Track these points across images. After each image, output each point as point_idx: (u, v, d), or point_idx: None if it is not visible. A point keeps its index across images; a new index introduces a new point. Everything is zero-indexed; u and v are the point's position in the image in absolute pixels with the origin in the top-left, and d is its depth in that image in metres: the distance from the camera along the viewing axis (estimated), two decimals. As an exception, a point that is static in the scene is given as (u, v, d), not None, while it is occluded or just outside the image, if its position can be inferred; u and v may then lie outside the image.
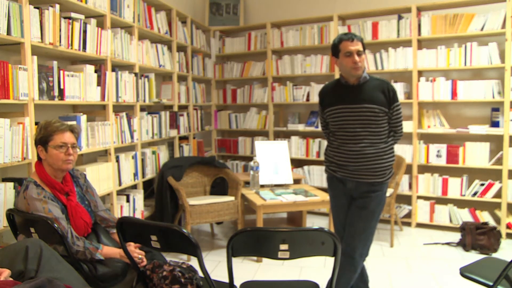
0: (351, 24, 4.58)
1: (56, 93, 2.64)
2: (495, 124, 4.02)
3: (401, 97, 4.19)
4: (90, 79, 2.98)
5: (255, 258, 3.50)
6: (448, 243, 3.83)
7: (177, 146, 4.37)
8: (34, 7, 2.45)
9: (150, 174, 3.88)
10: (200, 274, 1.77)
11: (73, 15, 2.76)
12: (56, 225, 1.97)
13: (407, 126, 4.16)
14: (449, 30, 4.08)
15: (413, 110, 4.27)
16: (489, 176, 4.05)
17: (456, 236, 3.96)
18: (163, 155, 4.15)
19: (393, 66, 4.38)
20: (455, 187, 4.14)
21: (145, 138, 3.77)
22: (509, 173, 3.88)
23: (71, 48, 2.76)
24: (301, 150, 4.89)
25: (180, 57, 4.49)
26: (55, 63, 2.63)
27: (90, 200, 2.33)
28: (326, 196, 3.60)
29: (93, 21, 2.97)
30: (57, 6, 2.61)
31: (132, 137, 3.53)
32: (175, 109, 4.31)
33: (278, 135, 5.18)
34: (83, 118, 2.89)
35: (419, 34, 4.22)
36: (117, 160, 3.32)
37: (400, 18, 4.30)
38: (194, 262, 1.97)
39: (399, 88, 4.28)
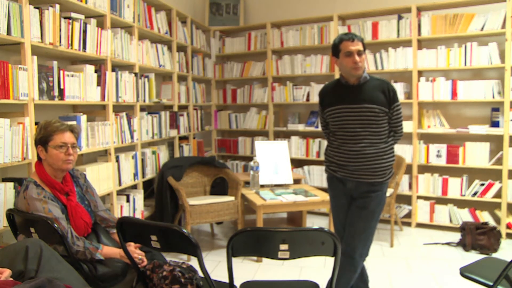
0: (351, 24, 4.58)
1: (56, 93, 2.64)
2: (495, 124, 4.02)
3: (401, 97, 4.19)
4: (90, 79, 2.98)
5: (255, 258, 3.50)
6: (448, 243, 3.83)
7: (177, 146, 4.37)
8: (34, 7, 2.45)
9: (150, 174, 3.88)
10: (200, 274, 1.77)
11: (73, 15, 2.76)
12: (56, 225, 1.97)
13: (407, 126, 4.16)
14: (449, 30, 4.08)
15: (413, 110, 4.27)
16: (489, 176, 4.05)
17: (456, 236, 3.96)
18: (163, 155, 4.15)
19: (393, 66, 4.38)
20: (455, 187, 4.14)
21: (145, 138, 3.77)
22: (509, 173, 3.88)
23: (71, 48, 2.76)
24: (301, 150, 4.89)
25: (180, 57, 4.49)
26: (55, 63, 2.63)
27: (90, 200, 2.33)
28: (326, 196, 3.60)
29: (93, 21, 2.97)
30: (57, 6, 2.61)
31: (132, 137, 3.53)
32: (175, 109, 4.31)
33: (278, 135, 5.18)
34: (83, 118, 2.89)
35: (419, 34, 4.22)
36: (117, 160, 3.32)
37: (400, 18, 4.30)
38: (194, 262, 1.97)
39: (399, 88, 4.28)
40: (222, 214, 3.67)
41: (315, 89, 4.72)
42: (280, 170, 4.23)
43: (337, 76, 4.34)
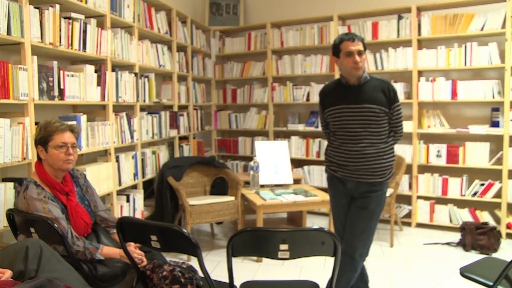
0: (351, 24, 4.58)
1: (56, 93, 2.64)
2: (495, 124, 4.02)
3: (401, 97, 4.19)
4: (90, 79, 2.98)
5: (255, 258, 3.50)
6: (448, 243, 3.83)
7: (177, 146, 4.37)
8: (34, 7, 2.45)
9: (150, 174, 3.88)
10: (200, 274, 1.77)
11: (73, 15, 2.76)
12: (56, 225, 1.97)
13: (407, 126, 4.16)
14: (449, 30, 4.08)
15: (413, 110, 4.27)
16: (489, 176, 4.05)
17: (456, 236, 3.96)
18: (163, 155, 4.15)
19: (393, 66, 4.38)
20: (455, 187, 4.14)
21: (145, 138, 3.77)
22: (509, 173, 3.88)
23: (71, 48, 2.76)
24: (301, 150, 4.89)
25: (180, 57, 4.49)
26: (55, 63, 2.63)
27: (90, 200, 2.33)
28: (326, 196, 3.60)
29: (93, 21, 2.97)
30: (57, 6, 2.61)
31: (132, 137, 3.53)
32: (175, 109, 4.31)
33: (278, 135, 5.18)
34: (83, 118, 2.89)
35: (419, 34, 4.22)
36: (117, 160, 3.32)
37: (400, 18, 4.30)
38: (194, 262, 1.97)
39: (399, 88, 4.28)
40: (222, 214, 3.67)
41: (315, 89, 4.72)
42: (280, 170, 4.23)
43: (337, 76, 4.35)
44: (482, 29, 3.94)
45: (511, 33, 3.77)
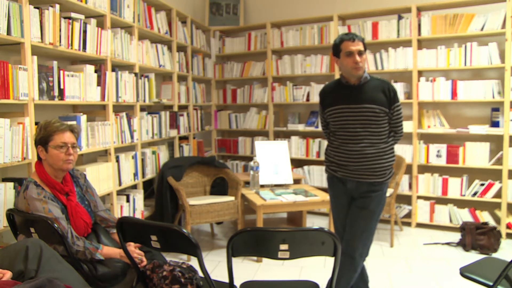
0: (351, 24, 4.58)
1: (56, 93, 2.64)
2: (495, 124, 4.02)
3: (401, 97, 4.19)
4: (90, 79, 2.98)
5: (255, 258, 3.50)
6: (448, 243, 3.83)
7: (177, 146, 4.37)
8: (34, 7, 2.45)
9: (150, 174, 3.88)
10: (200, 274, 1.77)
11: (73, 15, 2.76)
12: (56, 225, 1.97)
13: (407, 126, 4.16)
14: (449, 30, 4.08)
15: (413, 110, 4.27)
16: (489, 176, 4.05)
17: (456, 236, 3.96)
18: (163, 155, 4.15)
19: (393, 66, 4.38)
20: (455, 187, 4.14)
21: (145, 138, 3.77)
22: (509, 173, 3.88)
23: (71, 48, 2.76)
24: (301, 150, 4.89)
25: (180, 57, 4.49)
26: (55, 63, 2.63)
27: (90, 200, 2.33)
28: (326, 196, 3.60)
29: (93, 21, 2.97)
30: (57, 6, 2.61)
31: (132, 137, 3.53)
32: (175, 109, 4.31)
33: (278, 135, 5.18)
34: (83, 118, 2.89)
35: (419, 34, 4.22)
36: (117, 160, 3.32)
37: (400, 18, 4.30)
38: (194, 262, 1.97)
39: (399, 88, 4.28)
40: (222, 214, 3.67)
41: (315, 89, 4.72)
42: (280, 170, 4.23)
43: (337, 76, 4.35)
44: (482, 29, 3.94)
45: (511, 33, 3.77)
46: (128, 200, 3.45)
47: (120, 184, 3.35)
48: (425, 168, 4.34)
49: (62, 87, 2.68)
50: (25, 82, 2.38)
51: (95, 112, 3.30)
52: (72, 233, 2.05)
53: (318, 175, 4.78)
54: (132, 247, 2.12)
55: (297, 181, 4.34)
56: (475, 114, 4.26)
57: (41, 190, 2.07)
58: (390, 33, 4.35)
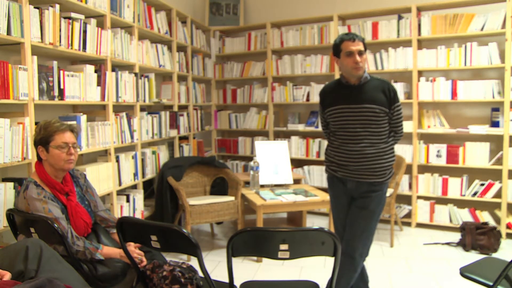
0: (351, 24, 4.58)
1: (56, 93, 2.64)
2: (495, 124, 4.02)
3: (401, 97, 4.18)
4: (90, 79, 2.98)
5: (255, 258, 3.50)
6: (448, 243, 3.83)
7: (177, 146, 4.37)
8: (34, 7, 2.45)
9: (150, 174, 3.88)
10: (200, 274, 1.77)
11: (73, 15, 2.76)
12: (56, 225, 1.97)
13: (407, 126, 4.16)
14: (449, 30, 4.08)
15: (413, 110, 4.27)
16: (489, 176, 4.05)
17: (456, 236, 3.96)
18: (163, 155, 4.15)
19: (393, 66, 4.38)
20: (455, 187, 4.14)
21: (145, 138, 3.77)
22: (509, 173, 3.88)
23: (71, 48, 2.76)
24: (301, 150, 4.89)
25: (180, 57, 4.49)
26: (55, 63, 2.63)
27: (90, 200, 2.33)
28: (326, 196, 3.60)
29: (93, 21, 2.97)
30: (57, 6, 2.61)
31: (132, 137, 3.53)
32: (175, 109, 4.31)
33: (278, 135, 5.18)
34: (83, 118, 2.89)
35: (419, 34, 4.22)
36: (117, 160, 3.32)
37: (400, 18, 4.30)
38: (194, 262, 1.97)
39: (399, 88, 4.28)
40: (222, 214, 3.67)
41: (315, 89, 4.72)
42: (280, 170, 4.23)
43: (337, 76, 4.35)
44: (482, 29, 3.94)
45: (511, 33, 3.77)
46: (128, 200, 3.45)
47: (120, 184, 3.35)
48: (425, 168, 4.34)
49: (62, 87, 2.68)
50: (25, 82, 2.38)
51: (95, 112, 3.30)
52: (72, 233, 2.05)
53: (318, 175, 4.78)
54: (132, 247, 2.12)
55: (297, 181, 4.34)
56: (475, 114, 4.26)
57: (41, 190, 2.07)
58: (390, 33, 4.35)
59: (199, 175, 4.16)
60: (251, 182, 4.02)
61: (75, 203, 2.18)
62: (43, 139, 2.11)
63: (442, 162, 4.18)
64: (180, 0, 4.78)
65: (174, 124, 4.24)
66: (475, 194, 4.05)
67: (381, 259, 3.51)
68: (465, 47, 4.02)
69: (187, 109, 4.66)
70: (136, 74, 3.57)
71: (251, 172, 4.01)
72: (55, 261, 1.75)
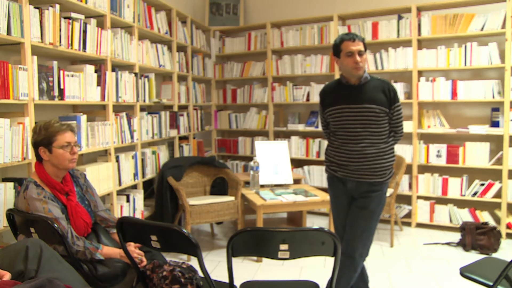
0: (351, 24, 4.58)
1: (56, 93, 2.64)
2: (495, 124, 4.02)
3: (401, 97, 4.18)
4: (90, 79, 2.98)
5: (255, 258, 3.50)
6: (448, 243, 3.83)
7: (177, 146, 4.37)
8: (34, 7, 2.45)
9: (150, 174, 3.88)
10: (200, 274, 1.77)
11: (73, 15, 2.76)
12: (56, 225, 1.97)
13: (407, 126, 4.16)
14: (449, 30, 4.08)
15: (413, 110, 4.27)
16: (489, 176, 4.05)
17: (456, 236, 3.96)
18: (163, 155, 4.15)
19: (393, 66, 4.38)
20: (455, 187, 4.14)
21: (145, 138, 3.77)
22: (509, 173, 3.88)
23: (71, 48, 2.76)
24: (301, 150, 4.89)
25: (180, 57, 4.49)
26: (55, 63, 2.63)
27: (90, 200, 2.33)
28: (326, 196, 3.60)
29: (93, 21, 2.97)
30: (57, 6, 2.61)
31: (132, 137, 3.53)
32: (175, 109, 4.31)
33: (278, 135, 5.18)
34: (83, 118, 2.89)
35: (419, 34, 4.22)
36: (117, 160, 3.32)
37: (400, 18, 4.30)
38: (194, 262, 1.97)
39: (399, 88, 4.28)
40: (222, 214, 3.67)
41: (315, 89, 4.72)
42: (280, 170, 4.23)
43: (337, 76, 4.35)
44: (482, 29, 3.94)
45: (511, 33, 3.77)
46: (128, 200, 3.45)
47: (120, 184, 3.35)
48: (425, 168, 4.34)
49: (62, 87, 2.68)
50: (25, 82, 2.38)
51: (95, 112, 3.30)
52: (72, 233, 2.05)
53: (318, 175, 4.78)
54: (132, 247, 2.12)
55: (297, 181, 4.34)
56: (475, 114, 4.26)
57: (41, 190, 2.07)
58: (390, 33, 4.35)
59: (199, 175, 4.16)
60: (251, 182, 4.02)
61: (75, 203, 2.18)
62: (44, 140, 2.11)
63: (442, 162, 4.18)
64: (180, 0, 4.78)
65: (174, 124, 4.24)
66: (475, 194, 4.05)
67: (381, 259, 3.51)
68: (465, 47, 4.02)
69: (187, 109, 4.66)
70: (136, 74, 3.57)
71: (251, 172, 4.01)
72: (55, 261, 1.75)
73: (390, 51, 4.37)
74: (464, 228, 3.74)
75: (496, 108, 4.05)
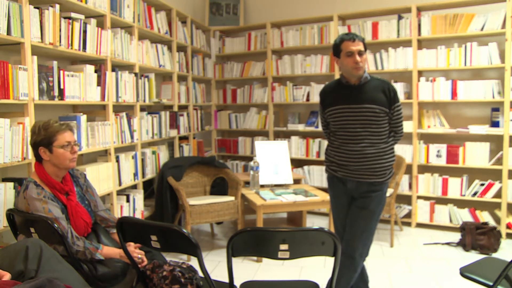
0: (351, 24, 4.58)
1: (56, 93, 2.64)
2: (495, 124, 4.02)
3: (401, 97, 4.18)
4: (90, 79, 2.98)
5: (255, 258, 3.50)
6: (448, 243, 3.83)
7: (177, 146, 4.37)
8: (34, 7, 2.45)
9: (150, 174, 3.88)
10: (200, 274, 1.77)
11: (73, 15, 2.76)
12: (56, 225, 1.97)
13: (407, 126, 4.16)
14: (449, 30, 4.08)
15: (413, 110, 4.27)
16: (489, 176, 4.05)
17: (456, 236, 3.96)
18: (163, 155, 4.15)
19: (393, 66, 4.38)
20: (455, 187, 4.14)
21: (145, 138, 3.77)
22: (509, 173, 3.88)
23: (71, 48, 2.76)
24: (301, 150, 4.89)
25: (180, 57, 4.49)
26: (55, 63, 2.63)
27: (90, 200, 2.33)
28: (326, 196, 3.60)
29: (93, 21, 2.97)
30: (57, 6, 2.61)
31: (132, 137, 3.53)
32: (175, 109, 4.31)
33: (278, 135, 5.18)
34: (83, 118, 2.89)
35: (419, 34, 4.22)
36: (117, 160, 3.32)
37: (400, 18, 4.30)
38: (194, 262, 1.97)
39: (399, 88, 4.28)
40: (222, 214, 3.67)
41: (315, 89, 4.72)
42: (280, 170, 4.23)
43: (337, 76, 4.35)
44: (482, 29, 3.94)
45: (511, 33, 3.77)
46: (128, 200, 3.45)
47: (120, 184, 3.35)
48: (425, 168, 4.34)
49: (62, 87, 2.68)
50: (25, 82, 2.38)
51: (95, 112, 3.30)
52: (72, 233, 2.05)
53: (318, 175, 4.78)
54: (132, 247, 2.12)
55: (297, 181, 4.34)
56: (475, 114, 4.26)
57: (41, 190, 2.07)
58: (390, 33, 4.35)
59: (199, 175, 4.16)
60: (251, 182, 4.02)
61: (75, 202, 2.18)
62: (44, 140, 2.11)
63: (442, 162, 4.18)
64: (180, 0, 4.78)
65: (174, 124, 4.24)
66: (475, 194, 4.05)
67: (381, 259, 3.51)
68: (465, 47, 4.02)
69: (187, 109, 4.66)
70: (136, 74, 3.57)
71: (251, 172, 4.01)
72: (55, 261, 1.75)
73: (390, 51, 4.37)
74: (464, 228, 3.74)
75: (496, 108, 4.05)
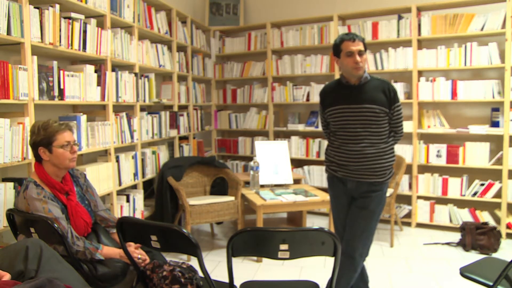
0: (351, 24, 4.58)
1: (56, 93, 2.64)
2: (495, 124, 4.02)
3: (401, 97, 4.18)
4: (90, 79, 2.98)
5: (255, 258, 3.50)
6: (448, 243, 3.83)
7: (177, 146, 4.37)
8: (34, 7, 2.45)
9: (150, 174, 3.88)
10: (200, 274, 1.77)
11: (73, 15, 2.76)
12: (56, 225, 1.97)
13: (407, 126, 4.16)
14: (449, 30, 4.08)
15: (413, 110, 4.27)
16: (489, 176, 4.05)
17: (456, 236, 3.96)
18: (163, 155, 4.15)
19: (393, 66, 4.38)
20: (455, 187, 4.14)
21: (145, 138, 3.77)
22: (509, 173, 3.88)
23: (71, 48, 2.76)
24: (301, 150, 4.89)
25: (180, 57, 4.49)
26: (55, 63, 2.63)
27: (90, 200, 2.33)
28: (326, 196, 3.60)
29: (93, 21, 2.97)
30: (57, 6, 2.61)
31: (132, 137, 3.53)
32: (175, 109, 4.31)
33: (278, 135, 5.18)
34: (83, 118, 2.89)
35: (419, 34, 4.22)
36: (117, 160, 3.32)
37: (400, 18, 4.30)
38: (194, 262, 1.97)
39: (399, 88, 4.28)
40: (222, 214, 3.67)
41: (315, 89, 4.72)
42: (280, 170, 4.23)
43: (337, 76, 4.35)
44: (482, 29, 3.94)
45: (511, 33, 3.77)
46: (128, 200, 3.45)
47: (120, 184, 3.35)
48: (425, 168, 4.34)
49: (62, 87, 2.68)
50: (25, 82, 2.38)
51: (95, 112, 3.30)
52: (72, 233, 2.05)
53: (318, 175, 4.78)
54: (132, 247, 2.12)
55: (297, 181, 4.34)
56: (475, 114, 4.26)
57: (41, 190, 2.07)
58: (390, 33, 4.35)
59: (199, 175, 4.16)
60: (251, 182, 4.02)
61: (75, 202, 2.18)
62: (44, 140, 2.11)
63: (442, 162, 4.18)
64: (180, 0, 4.78)
65: (174, 124, 4.24)
66: (475, 194, 4.05)
67: (381, 259, 3.51)
68: (465, 47, 4.02)
69: (187, 109, 4.67)
70: (136, 74, 3.57)
71: (251, 172, 4.01)
72: (55, 261, 1.75)
73: (390, 51, 4.37)
74: (464, 228, 3.74)
75: (496, 108, 4.05)
